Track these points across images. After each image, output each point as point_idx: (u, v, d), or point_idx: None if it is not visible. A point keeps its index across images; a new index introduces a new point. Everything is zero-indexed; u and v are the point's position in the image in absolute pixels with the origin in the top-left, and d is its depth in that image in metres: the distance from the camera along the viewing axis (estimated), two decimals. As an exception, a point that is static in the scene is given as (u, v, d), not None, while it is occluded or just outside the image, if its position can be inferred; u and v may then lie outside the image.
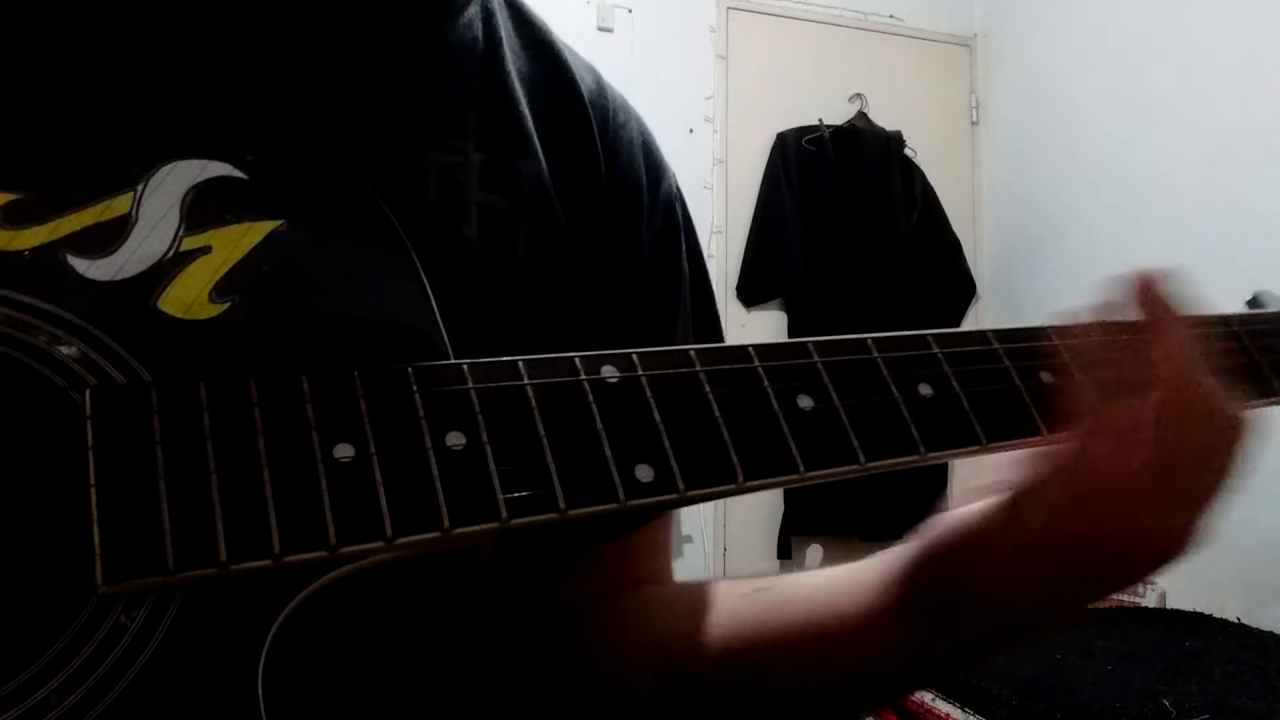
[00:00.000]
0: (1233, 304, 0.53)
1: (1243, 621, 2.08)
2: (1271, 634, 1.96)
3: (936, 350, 0.42)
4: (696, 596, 0.54)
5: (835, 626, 0.46)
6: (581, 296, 0.55)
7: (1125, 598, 2.45)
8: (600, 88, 0.62)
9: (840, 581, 0.48)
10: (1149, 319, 0.42)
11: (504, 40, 0.58)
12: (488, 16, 0.57)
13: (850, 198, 3.20)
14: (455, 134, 0.53)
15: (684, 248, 0.63)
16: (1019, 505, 0.41)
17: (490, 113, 0.55)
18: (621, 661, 0.54)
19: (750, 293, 3.20)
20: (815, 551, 3.17)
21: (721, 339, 0.65)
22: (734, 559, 3.11)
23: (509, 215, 0.53)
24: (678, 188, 0.65)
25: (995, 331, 0.44)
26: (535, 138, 0.56)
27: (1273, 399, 0.47)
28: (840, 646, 0.46)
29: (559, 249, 0.55)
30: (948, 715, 1.66)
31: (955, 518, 0.43)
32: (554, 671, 0.57)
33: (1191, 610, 2.20)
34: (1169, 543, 0.40)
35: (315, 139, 0.48)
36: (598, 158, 0.58)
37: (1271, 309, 0.48)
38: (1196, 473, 0.40)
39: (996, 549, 0.41)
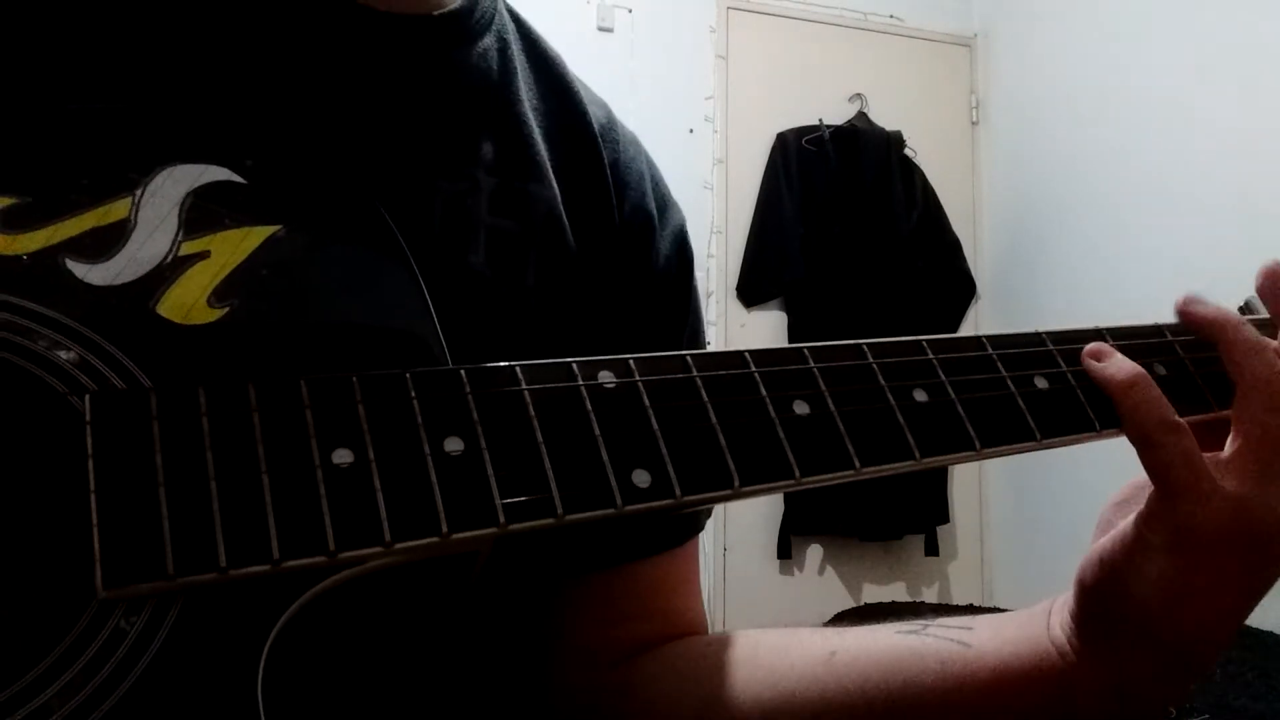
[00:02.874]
0: (1231, 305, 0.53)
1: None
2: (1271, 634, 1.96)
3: (932, 356, 0.42)
4: (758, 661, 0.51)
5: (1001, 683, 0.44)
6: (589, 321, 0.55)
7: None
8: (611, 122, 0.63)
9: (1009, 629, 0.46)
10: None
11: (518, 72, 0.58)
12: (503, 47, 0.58)
13: (850, 198, 3.20)
14: (465, 161, 0.53)
15: (694, 279, 0.64)
16: (1132, 523, 0.41)
17: (503, 140, 0.55)
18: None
19: (750, 293, 3.20)
20: (816, 552, 3.18)
21: None
22: (734, 559, 3.11)
23: (519, 240, 0.53)
24: (684, 223, 0.65)
25: (990, 337, 0.44)
26: (548, 164, 0.56)
27: None
28: (1012, 703, 0.44)
29: (568, 274, 0.55)
30: (947, 715, 1.66)
31: (1095, 552, 0.43)
32: None
33: (1191, 610, 2.20)
34: None
35: (317, 148, 0.48)
36: (608, 187, 0.59)
37: (1263, 314, 0.48)
38: None
39: (1131, 564, 0.41)
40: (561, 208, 0.55)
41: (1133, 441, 0.42)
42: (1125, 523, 0.42)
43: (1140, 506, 0.42)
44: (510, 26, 0.60)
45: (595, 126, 0.60)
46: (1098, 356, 0.44)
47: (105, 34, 0.46)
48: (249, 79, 0.48)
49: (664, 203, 0.63)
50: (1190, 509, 0.40)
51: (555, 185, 0.56)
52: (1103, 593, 0.42)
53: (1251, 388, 0.42)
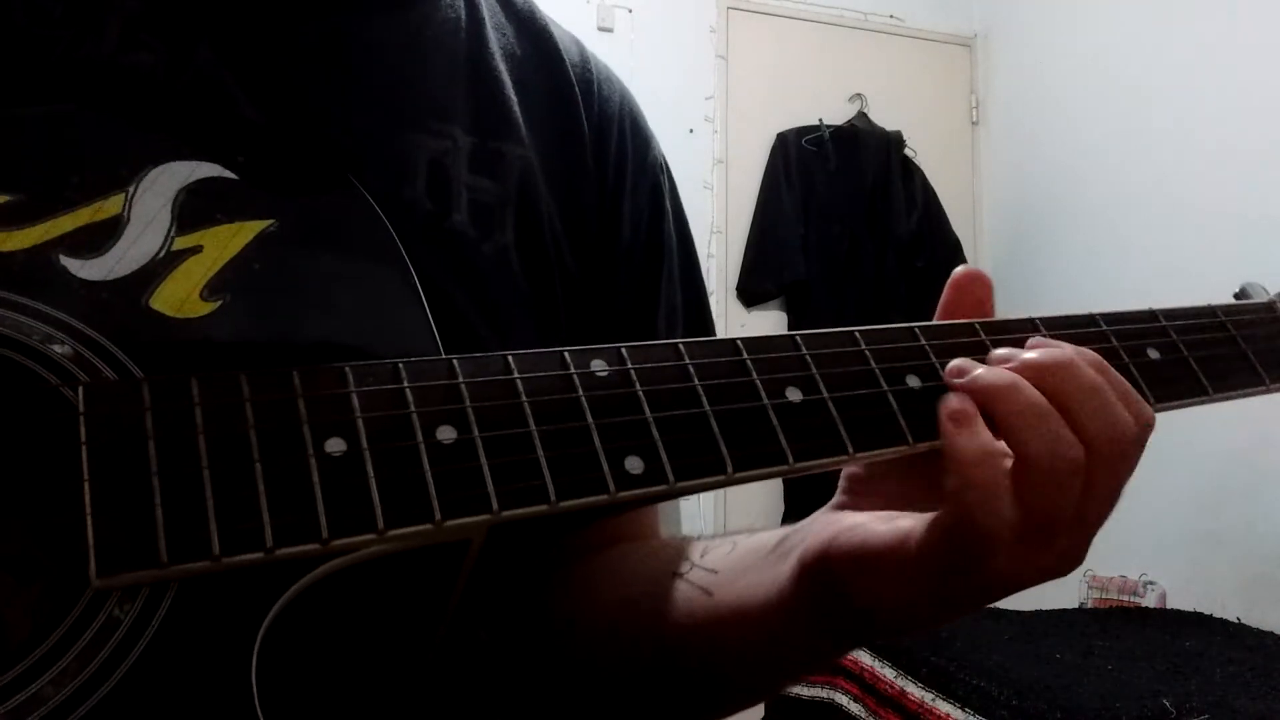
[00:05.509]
0: (1225, 300, 0.53)
1: (1243, 621, 2.08)
2: (1271, 634, 1.96)
3: (924, 342, 0.42)
4: (658, 565, 0.54)
5: (750, 615, 0.46)
6: (568, 275, 0.55)
7: (1125, 598, 2.45)
8: (585, 60, 0.62)
9: (751, 573, 0.48)
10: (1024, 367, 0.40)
11: (486, 18, 0.58)
12: None
13: (850, 198, 3.20)
14: (443, 117, 0.53)
15: (670, 217, 0.63)
16: (911, 541, 0.39)
17: (477, 94, 0.55)
18: (590, 620, 0.54)
19: (750, 293, 3.20)
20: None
21: (707, 306, 0.64)
22: (735, 559, 3.11)
23: (497, 199, 0.53)
24: (663, 159, 0.65)
25: (981, 323, 0.44)
26: (521, 120, 0.56)
27: (1262, 388, 0.47)
28: (746, 635, 0.46)
29: (545, 232, 0.55)
30: (948, 715, 1.66)
31: (853, 533, 0.41)
32: (533, 632, 0.57)
33: (1191, 610, 2.20)
34: (1063, 563, 0.39)
35: (303, 131, 0.48)
36: (583, 133, 0.58)
37: (1258, 300, 0.48)
38: (1102, 497, 0.39)
39: (886, 572, 0.40)
40: (537, 165, 0.55)
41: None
42: (884, 532, 0.40)
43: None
44: None
45: (569, 68, 0.60)
46: (957, 420, 0.39)
47: (93, 33, 0.46)
48: (233, 61, 0.48)
49: (640, 145, 0.62)
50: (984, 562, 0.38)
51: (529, 140, 0.56)
52: (834, 573, 0.42)
53: (1032, 461, 0.38)
